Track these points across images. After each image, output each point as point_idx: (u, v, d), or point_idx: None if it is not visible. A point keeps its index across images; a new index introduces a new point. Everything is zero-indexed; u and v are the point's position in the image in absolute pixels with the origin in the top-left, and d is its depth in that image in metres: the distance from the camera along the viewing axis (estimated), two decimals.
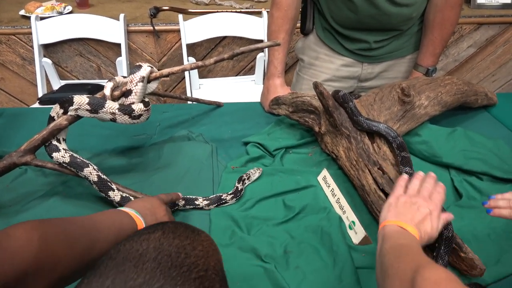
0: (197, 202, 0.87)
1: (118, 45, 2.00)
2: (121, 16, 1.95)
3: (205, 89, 2.10)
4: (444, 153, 1.01)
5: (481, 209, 0.87)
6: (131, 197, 0.86)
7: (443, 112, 1.11)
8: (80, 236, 0.55)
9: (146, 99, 0.93)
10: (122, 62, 2.00)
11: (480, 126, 1.19)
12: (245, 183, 0.93)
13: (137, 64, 0.90)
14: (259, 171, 0.96)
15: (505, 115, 1.26)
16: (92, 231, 0.57)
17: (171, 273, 0.39)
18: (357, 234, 0.80)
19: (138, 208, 0.69)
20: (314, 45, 1.36)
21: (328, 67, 1.35)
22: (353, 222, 0.82)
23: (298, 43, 1.44)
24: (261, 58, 2.10)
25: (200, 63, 0.95)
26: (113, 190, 0.84)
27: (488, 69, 2.41)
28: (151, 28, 2.03)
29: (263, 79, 2.21)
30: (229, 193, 0.89)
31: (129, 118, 0.88)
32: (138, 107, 0.88)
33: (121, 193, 0.85)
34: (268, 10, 2.03)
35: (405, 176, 0.74)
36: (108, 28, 1.97)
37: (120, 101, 0.91)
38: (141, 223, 0.66)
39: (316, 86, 0.94)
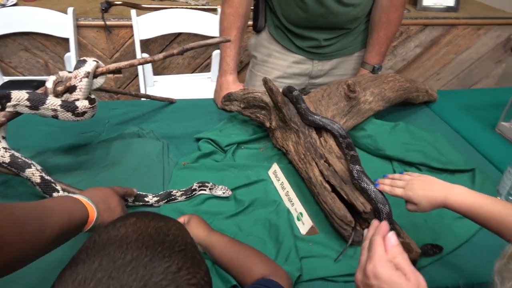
0: (146, 199, 0.86)
1: (67, 40, 1.92)
2: (70, 9, 1.87)
3: (159, 86, 2.07)
4: (387, 146, 1.06)
5: None
6: None
7: (386, 107, 1.17)
8: (30, 219, 0.53)
9: (92, 96, 0.90)
10: (71, 58, 1.93)
11: (421, 121, 1.26)
12: (204, 190, 0.90)
13: (82, 58, 0.87)
14: (225, 192, 0.89)
15: (444, 110, 1.34)
16: (43, 216, 0.56)
17: (156, 248, 0.41)
18: (304, 225, 0.83)
19: (90, 196, 0.68)
20: (267, 42, 1.38)
21: (280, 64, 1.38)
22: (301, 213, 0.85)
23: (251, 40, 1.45)
24: (217, 55, 2.10)
25: (149, 58, 0.94)
26: (58, 191, 0.81)
27: (433, 68, 2.56)
28: (103, 23, 1.97)
29: (217, 76, 2.21)
30: (180, 189, 0.89)
31: (72, 115, 0.86)
32: (82, 104, 0.85)
33: (67, 194, 0.82)
34: None
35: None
36: (56, 22, 1.89)
37: (64, 97, 0.88)
38: (92, 210, 0.65)
39: (265, 82, 0.96)
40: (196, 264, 0.43)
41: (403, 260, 0.54)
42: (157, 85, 2.07)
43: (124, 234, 0.43)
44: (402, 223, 0.82)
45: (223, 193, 0.89)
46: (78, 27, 1.96)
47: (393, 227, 0.76)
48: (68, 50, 1.95)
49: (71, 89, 0.87)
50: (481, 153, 1.15)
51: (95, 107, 0.90)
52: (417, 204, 0.71)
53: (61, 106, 0.84)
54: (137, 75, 2.12)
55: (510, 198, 0.92)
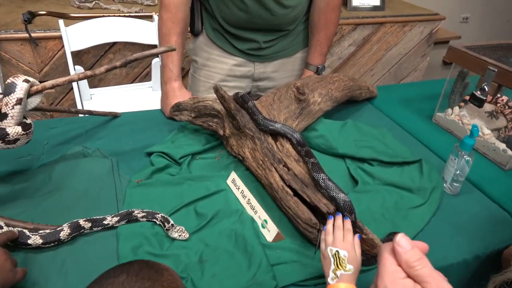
0: (105, 222, 0.80)
1: None
2: None
3: (98, 99, 1.95)
4: (339, 144, 1.09)
5: (374, 192, 0.97)
6: (24, 230, 0.75)
7: (334, 107, 1.20)
8: None
9: (28, 121, 0.82)
10: None
11: (366, 117, 1.32)
12: (164, 225, 0.81)
13: (9, 81, 0.77)
14: (182, 234, 0.79)
15: (385, 105, 1.42)
16: None
17: None
18: (270, 232, 0.82)
19: None
20: (205, 46, 1.36)
21: (221, 68, 1.36)
22: (265, 220, 0.84)
23: (189, 45, 1.42)
24: (156, 64, 2.03)
25: (89, 72, 0.87)
26: (1, 228, 0.73)
27: (367, 65, 2.70)
28: (27, 35, 1.81)
29: (161, 85, 2.14)
30: (143, 210, 0.84)
31: (2, 143, 0.77)
32: (14, 130, 0.77)
33: (12, 229, 0.74)
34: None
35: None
36: None
37: None
38: None
39: (216, 89, 0.94)
40: None
41: (423, 268, 0.44)
42: (94, 99, 1.95)
43: None
44: (362, 219, 0.84)
45: (179, 235, 0.79)
46: None
47: (357, 225, 0.78)
48: None
49: (2, 116, 0.78)
50: (422, 143, 1.23)
51: (30, 133, 0.82)
52: None
53: None
54: (71, 89, 1.98)
55: (455, 184, 0.99)
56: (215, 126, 1.05)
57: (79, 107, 1.89)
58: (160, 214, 0.82)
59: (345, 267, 0.64)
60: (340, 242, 0.68)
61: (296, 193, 0.84)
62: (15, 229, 0.74)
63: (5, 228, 0.74)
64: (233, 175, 0.96)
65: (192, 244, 0.79)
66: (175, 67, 1.23)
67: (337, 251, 0.66)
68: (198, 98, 1.08)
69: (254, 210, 0.87)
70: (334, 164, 1.08)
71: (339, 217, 0.73)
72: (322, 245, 0.70)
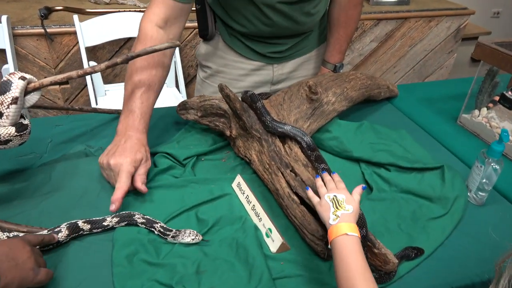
0: (105, 223, 0.77)
1: (3, 51, 1.76)
2: (4, 18, 1.71)
3: (112, 95, 1.94)
4: (354, 147, 1.02)
5: (390, 200, 0.90)
6: (19, 234, 0.72)
7: (350, 107, 1.13)
8: None
9: (26, 121, 0.79)
10: (9, 71, 1.76)
11: (385, 118, 1.24)
12: (165, 235, 0.75)
13: (5, 79, 0.75)
14: (196, 237, 0.74)
15: (406, 105, 1.33)
16: None
17: None
18: (274, 241, 0.77)
19: None
20: (220, 51, 1.26)
21: (239, 74, 1.29)
22: (270, 229, 0.78)
23: (200, 49, 1.32)
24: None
25: (88, 69, 0.84)
26: None
27: (390, 62, 2.59)
28: (43, 30, 1.81)
29: (175, 81, 2.11)
30: (144, 216, 0.79)
31: None
32: (6, 131, 0.74)
33: (8, 233, 0.71)
34: None
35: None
36: None
37: None
38: None
39: (221, 88, 0.89)
40: None
41: None
42: (109, 95, 1.94)
43: None
44: (376, 230, 0.78)
45: (192, 239, 0.73)
46: (15, 36, 1.79)
47: (368, 238, 0.71)
48: (5, 62, 1.78)
49: None
50: (445, 147, 1.14)
51: (26, 134, 0.79)
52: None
53: None
54: (86, 85, 1.98)
55: (480, 193, 0.90)
56: (222, 126, 1.00)
57: (93, 103, 1.88)
58: (159, 224, 0.78)
59: (345, 207, 0.67)
60: (335, 190, 0.71)
61: (303, 201, 0.78)
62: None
63: (0, 233, 0.71)
64: (239, 178, 0.90)
65: (190, 253, 0.74)
66: (144, 116, 0.92)
67: (334, 195, 0.69)
68: (204, 97, 1.03)
69: (259, 217, 0.82)
70: (348, 168, 1.01)
71: (326, 174, 0.77)
72: (315, 199, 0.72)
